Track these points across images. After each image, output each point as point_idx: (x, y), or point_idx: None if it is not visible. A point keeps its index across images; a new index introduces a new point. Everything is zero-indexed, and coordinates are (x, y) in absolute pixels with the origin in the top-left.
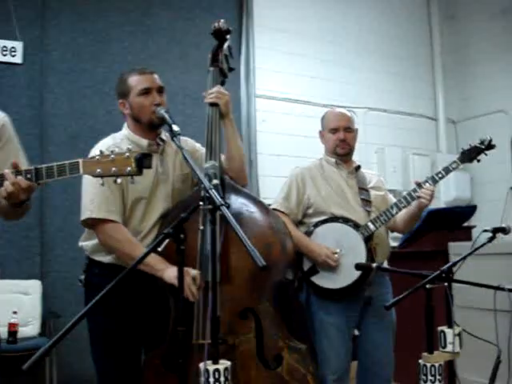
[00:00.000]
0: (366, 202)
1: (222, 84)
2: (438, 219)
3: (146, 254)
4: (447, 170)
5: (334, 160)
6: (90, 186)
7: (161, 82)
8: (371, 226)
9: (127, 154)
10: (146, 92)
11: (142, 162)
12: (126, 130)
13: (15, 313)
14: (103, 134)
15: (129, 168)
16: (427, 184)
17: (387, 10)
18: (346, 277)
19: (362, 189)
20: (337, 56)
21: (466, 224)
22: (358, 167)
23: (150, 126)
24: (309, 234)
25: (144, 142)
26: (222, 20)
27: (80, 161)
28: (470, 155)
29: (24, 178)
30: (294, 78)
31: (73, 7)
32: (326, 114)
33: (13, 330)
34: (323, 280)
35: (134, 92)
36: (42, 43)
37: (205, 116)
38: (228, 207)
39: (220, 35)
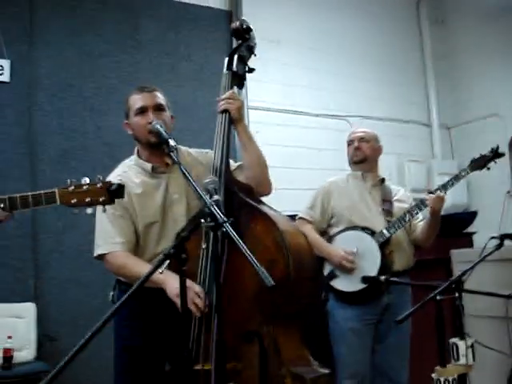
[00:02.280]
0: (388, 212)
1: (240, 87)
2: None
3: (147, 278)
4: (457, 178)
5: (359, 173)
6: (97, 224)
7: (161, 100)
8: (385, 232)
9: (100, 184)
10: (142, 111)
11: (116, 192)
12: (134, 155)
13: (10, 337)
14: (94, 151)
15: (102, 198)
16: (438, 191)
17: (376, 17)
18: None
19: (386, 200)
20: (329, 65)
21: (466, 230)
22: (383, 180)
23: (150, 147)
24: (329, 241)
25: (148, 166)
26: (242, 18)
27: (56, 191)
28: (480, 163)
29: None
30: (287, 88)
31: (60, 22)
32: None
33: (8, 356)
34: (342, 283)
35: (132, 112)
36: (30, 59)
37: (201, 128)
38: (232, 223)
39: (240, 35)
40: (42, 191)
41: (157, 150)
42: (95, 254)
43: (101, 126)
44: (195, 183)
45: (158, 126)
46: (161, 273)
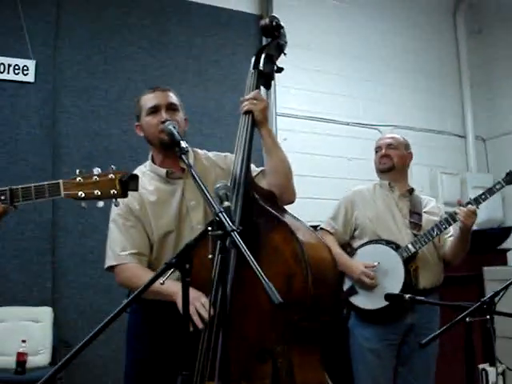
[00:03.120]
0: (415, 225)
1: (267, 87)
2: (471, 242)
3: (147, 287)
4: (491, 192)
5: (387, 183)
6: (108, 234)
7: (174, 100)
8: (411, 247)
9: (111, 175)
10: (154, 111)
11: (128, 184)
12: (149, 161)
13: (24, 341)
14: (118, 155)
15: (113, 190)
16: (469, 205)
17: (412, 25)
18: (382, 298)
19: (414, 212)
20: (360, 72)
21: (500, 247)
22: (412, 190)
23: (164, 148)
24: (351, 254)
25: (162, 171)
26: (272, 15)
27: (61, 181)
28: None
29: None
30: (316, 95)
31: (86, 25)
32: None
33: (21, 360)
34: (362, 300)
35: (143, 112)
36: (55, 61)
37: (227, 134)
38: (240, 232)
39: (269, 32)
40: (46, 182)
41: (170, 152)
42: (105, 266)
43: (126, 129)
44: (206, 189)
45: (171, 127)
46: (162, 283)
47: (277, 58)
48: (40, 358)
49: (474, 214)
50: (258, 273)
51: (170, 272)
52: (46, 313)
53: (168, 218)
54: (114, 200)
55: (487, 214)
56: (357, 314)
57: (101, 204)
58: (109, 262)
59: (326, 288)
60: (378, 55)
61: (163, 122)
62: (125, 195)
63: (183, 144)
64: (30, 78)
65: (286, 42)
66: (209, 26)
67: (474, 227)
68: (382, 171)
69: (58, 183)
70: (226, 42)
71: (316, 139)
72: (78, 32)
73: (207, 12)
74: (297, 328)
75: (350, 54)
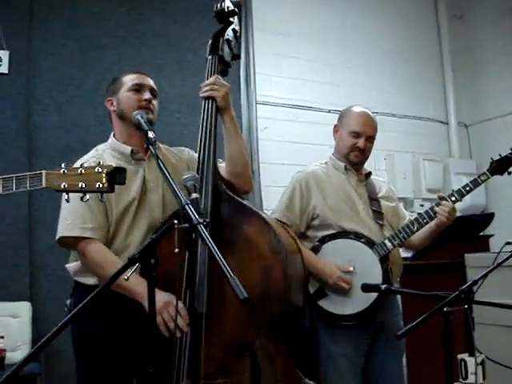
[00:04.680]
0: (378, 213)
1: (224, 75)
2: (453, 229)
3: (107, 285)
4: (475, 183)
5: (343, 165)
6: (65, 206)
7: (155, 86)
8: (388, 244)
9: (98, 167)
10: (138, 88)
11: (115, 177)
12: (110, 139)
13: (2, 337)
14: (95, 146)
15: (99, 183)
16: (453, 198)
17: (393, 11)
18: (359, 301)
19: (373, 199)
20: (341, 59)
21: (482, 233)
22: (369, 174)
23: (136, 126)
24: (315, 250)
25: (127, 149)
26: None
27: (43, 172)
28: (501, 166)
29: None
30: (297, 82)
31: (61, 14)
32: (350, 110)
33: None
34: (332, 304)
35: (124, 87)
36: (30, 52)
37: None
38: (207, 226)
39: (224, 17)
40: (28, 172)
41: (140, 131)
42: (58, 236)
43: (103, 120)
44: (174, 181)
45: (139, 117)
46: (126, 279)
47: (234, 45)
48: (19, 353)
49: (454, 210)
50: (223, 267)
51: (135, 267)
52: (24, 308)
53: (128, 197)
54: (99, 195)
55: (470, 200)
56: (324, 316)
57: (86, 198)
58: (66, 232)
59: (299, 279)
60: (358, 41)
61: (146, 100)
62: (111, 189)
63: (151, 134)
64: (4, 69)
65: (239, 29)
66: (187, 14)
67: (457, 214)
68: (351, 162)
69: (41, 173)
70: (205, 30)
71: (297, 127)
72: (53, 21)
73: None
74: (275, 320)
75: (330, 40)
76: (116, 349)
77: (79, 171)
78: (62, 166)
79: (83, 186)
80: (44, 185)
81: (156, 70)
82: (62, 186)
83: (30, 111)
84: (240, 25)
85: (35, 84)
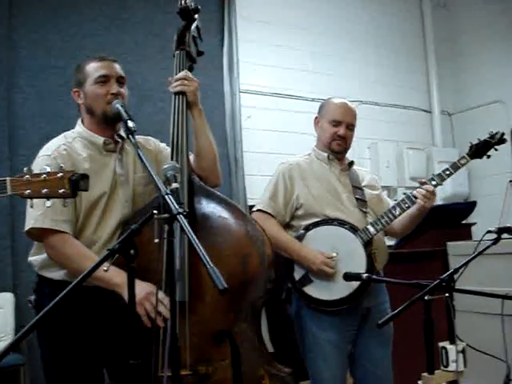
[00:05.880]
0: (362, 201)
1: (190, 70)
2: (435, 217)
3: (84, 279)
4: (455, 167)
5: (325, 155)
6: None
7: (122, 72)
8: (371, 229)
9: (61, 174)
10: (104, 80)
11: (78, 184)
12: (79, 127)
13: None
14: None
15: (62, 190)
16: (433, 182)
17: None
18: (343, 286)
19: (356, 187)
20: (325, 48)
21: (465, 221)
22: (352, 163)
23: (105, 120)
24: (299, 238)
25: (100, 139)
26: None
27: (8, 179)
28: (480, 150)
29: None
30: (281, 71)
31: (42, 1)
32: (329, 101)
33: None
34: (318, 290)
35: (90, 80)
36: (10, 40)
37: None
38: (186, 216)
39: (187, 14)
40: None
41: (110, 125)
42: (27, 228)
43: None
44: (153, 170)
45: (118, 106)
46: (105, 270)
47: (198, 42)
48: (2, 344)
49: (433, 194)
50: (202, 257)
51: (114, 258)
52: (6, 299)
53: (98, 190)
54: (63, 200)
55: (453, 188)
56: (309, 303)
57: (48, 203)
58: (36, 224)
59: (271, 264)
60: (342, 30)
61: (113, 94)
62: (74, 195)
63: (131, 124)
64: None
65: (200, 27)
66: (170, 2)
67: (440, 202)
68: (334, 151)
69: (5, 181)
70: None
71: (281, 116)
72: (34, 9)
73: None
74: (253, 305)
75: (313, 29)
76: (84, 339)
77: (43, 177)
78: (25, 170)
79: (47, 192)
80: (9, 192)
81: (139, 59)
82: (27, 193)
83: (11, 100)
84: (223, 13)
85: (16, 72)
